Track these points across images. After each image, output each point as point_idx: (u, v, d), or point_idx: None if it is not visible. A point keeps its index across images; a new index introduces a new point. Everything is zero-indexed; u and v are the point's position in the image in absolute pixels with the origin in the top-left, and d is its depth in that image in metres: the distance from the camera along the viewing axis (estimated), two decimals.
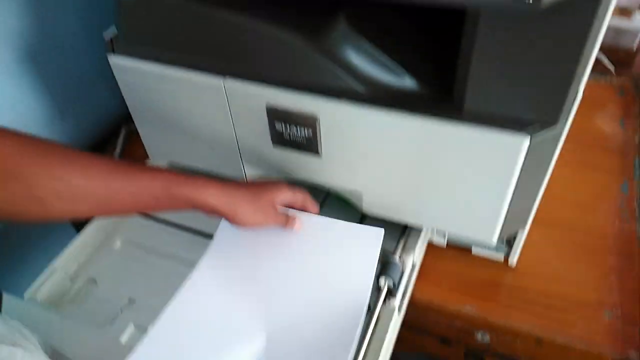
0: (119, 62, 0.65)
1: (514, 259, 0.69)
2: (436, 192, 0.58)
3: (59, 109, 0.89)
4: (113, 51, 0.66)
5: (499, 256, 0.71)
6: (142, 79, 0.65)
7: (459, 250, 0.73)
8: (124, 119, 0.94)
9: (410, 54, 0.56)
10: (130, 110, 0.71)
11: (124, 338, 0.61)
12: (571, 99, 0.50)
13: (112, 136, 0.97)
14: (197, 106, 0.65)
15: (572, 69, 0.46)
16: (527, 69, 0.47)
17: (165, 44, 0.63)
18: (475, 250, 0.72)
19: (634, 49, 1.05)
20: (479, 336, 0.68)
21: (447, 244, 0.73)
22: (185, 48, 0.62)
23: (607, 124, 0.92)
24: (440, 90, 0.54)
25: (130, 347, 0.59)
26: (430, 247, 0.73)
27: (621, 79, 1.02)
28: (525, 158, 0.52)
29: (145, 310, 0.63)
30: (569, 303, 0.66)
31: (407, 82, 0.55)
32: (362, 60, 0.55)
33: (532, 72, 0.47)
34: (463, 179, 0.56)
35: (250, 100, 0.60)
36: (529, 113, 0.50)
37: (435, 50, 0.57)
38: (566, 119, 0.51)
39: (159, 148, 0.75)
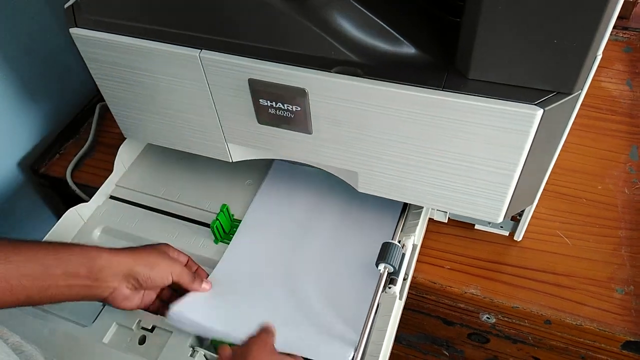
0: (82, 35, 0.59)
1: (519, 235, 0.66)
2: (438, 170, 0.54)
3: (29, 90, 0.84)
4: (75, 23, 0.59)
5: (504, 232, 0.67)
6: (109, 53, 0.59)
7: (461, 225, 0.69)
8: (99, 95, 0.88)
9: (407, 18, 0.50)
10: (100, 87, 0.65)
11: (107, 338, 0.57)
12: (589, 63, 0.44)
13: (87, 114, 0.91)
14: (172, 82, 0.58)
15: (593, 27, 0.40)
16: (540, 30, 0.41)
17: (132, 13, 0.56)
18: (478, 226, 0.68)
19: None
20: (484, 317, 0.65)
21: (448, 219, 0.69)
22: (155, 17, 0.55)
23: (613, 84, 0.87)
24: (442, 58, 0.48)
25: (113, 347, 0.56)
26: (431, 222, 0.69)
27: (627, 35, 0.96)
28: (537, 132, 0.47)
29: None
30: (578, 280, 0.62)
31: (404, 50, 0.49)
32: (354, 26, 0.49)
33: (546, 33, 0.41)
34: (467, 156, 0.51)
35: (230, 74, 0.54)
36: (541, 82, 0.45)
37: (436, 14, 0.51)
38: (583, 86, 0.46)
39: (135, 128, 0.69)
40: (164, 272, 0.55)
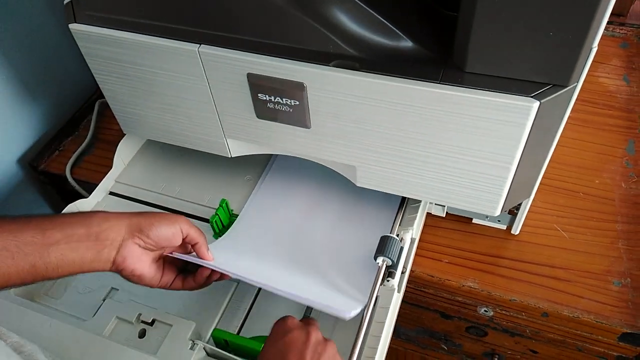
0: (81, 31, 0.59)
1: (517, 229, 0.66)
2: (435, 163, 0.54)
3: (28, 87, 0.84)
4: (74, 19, 0.59)
5: (501, 226, 0.67)
6: (108, 49, 0.59)
7: (458, 220, 0.69)
8: (98, 92, 0.89)
9: (405, 12, 0.51)
10: (99, 83, 0.65)
11: (107, 332, 0.57)
12: (585, 56, 0.45)
13: (87, 111, 0.92)
14: (171, 77, 0.59)
15: (588, 18, 0.40)
16: (536, 22, 0.42)
17: (131, 8, 0.56)
18: (476, 220, 0.68)
19: None
20: (482, 310, 0.65)
21: (446, 214, 0.69)
22: (154, 11, 0.56)
23: (610, 80, 0.88)
24: (439, 52, 0.49)
25: (113, 341, 0.56)
26: (429, 217, 0.69)
27: (623, 31, 0.97)
28: (533, 124, 0.47)
29: (128, 300, 0.60)
30: (575, 273, 0.63)
31: (402, 44, 0.50)
32: (352, 21, 0.50)
33: (542, 25, 0.42)
34: (465, 149, 0.52)
35: (229, 68, 0.54)
36: (537, 74, 0.46)
37: (434, 8, 0.52)
38: (578, 79, 0.46)
39: (134, 124, 0.69)
40: (170, 224, 0.52)
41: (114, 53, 0.59)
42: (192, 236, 0.54)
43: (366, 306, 0.54)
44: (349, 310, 0.51)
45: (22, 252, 0.44)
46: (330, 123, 0.55)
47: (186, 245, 0.55)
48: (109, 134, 0.87)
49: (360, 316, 0.54)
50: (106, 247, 0.48)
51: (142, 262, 0.51)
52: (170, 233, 0.52)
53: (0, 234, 0.44)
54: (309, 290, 0.55)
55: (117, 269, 0.50)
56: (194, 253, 0.56)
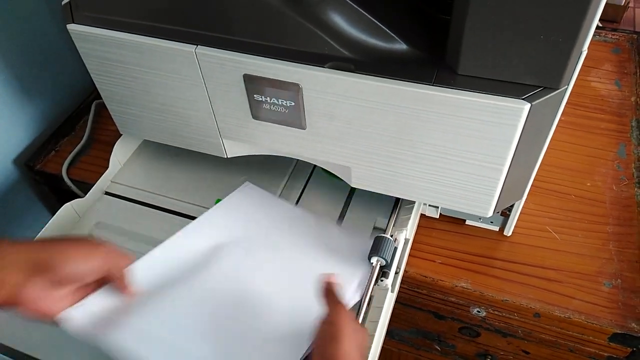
0: (79, 31, 0.59)
1: (509, 231, 0.67)
2: (429, 164, 0.55)
3: (25, 88, 0.84)
4: (72, 19, 0.60)
5: (494, 227, 0.68)
6: (106, 50, 0.60)
7: (452, 221, 0.70)
8: (95, 92, 0.89)
9: (399, 15, 0.52)
10: (96, 83, 0.66)
11: None
12: (575, 59, 0.45)
13: (83, 112, 0.92)
14: (168, 78, 0.59)
15: (578, 22, 0.41)
16: (527, 26, 0.43)
17: (129, 9, 0.57)
18: (469, 222, 0.69)
19: (622, 3, 1.01)
20: (474, 311, 0.66)
21: (439, 215, 0.70)
22: (152, 13, 0.56)
23: (602, 84, 0.89)
24: (433, 54, 0.50)
25: None
26: (423, 218, 0.70)
27: (615, 36, 0.98)
28: (524, 126, 0.48)
29: None
30: (567, 274, 0.64)
31: (396, 47, 0.50)
32: (347, 23, 0.51)
33: (533, 29, 0.43)
34: (457, 150, 0.52)
35: (226, 69, 0.55)
36: (528, 77, 0.46)
37: (428, 11, 0.52)
38: (569, 81, 0.47)
39: (130, 124, 0.70)
40: (86, 258, 0.45)
41: (112, 54, 0.60)
42: (112, 272, 0.48)
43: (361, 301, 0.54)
44: None
45: None
46: (325, 124, 0.56)
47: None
48: (106, 135, 0.87)
49: (355, 315, 0.54)
50: None
51: (46, 301, 0.44)
52: (88, 268, 0.46)
53: None
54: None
55: (12, 309, 0.43)
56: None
